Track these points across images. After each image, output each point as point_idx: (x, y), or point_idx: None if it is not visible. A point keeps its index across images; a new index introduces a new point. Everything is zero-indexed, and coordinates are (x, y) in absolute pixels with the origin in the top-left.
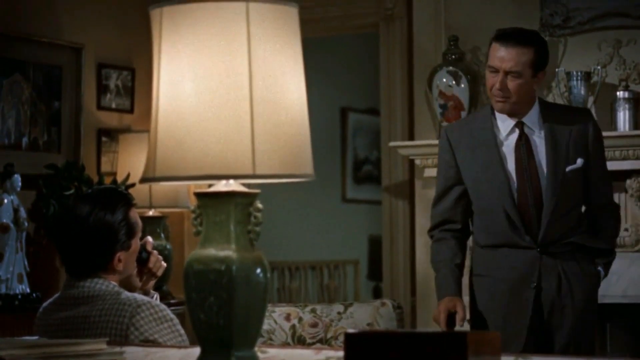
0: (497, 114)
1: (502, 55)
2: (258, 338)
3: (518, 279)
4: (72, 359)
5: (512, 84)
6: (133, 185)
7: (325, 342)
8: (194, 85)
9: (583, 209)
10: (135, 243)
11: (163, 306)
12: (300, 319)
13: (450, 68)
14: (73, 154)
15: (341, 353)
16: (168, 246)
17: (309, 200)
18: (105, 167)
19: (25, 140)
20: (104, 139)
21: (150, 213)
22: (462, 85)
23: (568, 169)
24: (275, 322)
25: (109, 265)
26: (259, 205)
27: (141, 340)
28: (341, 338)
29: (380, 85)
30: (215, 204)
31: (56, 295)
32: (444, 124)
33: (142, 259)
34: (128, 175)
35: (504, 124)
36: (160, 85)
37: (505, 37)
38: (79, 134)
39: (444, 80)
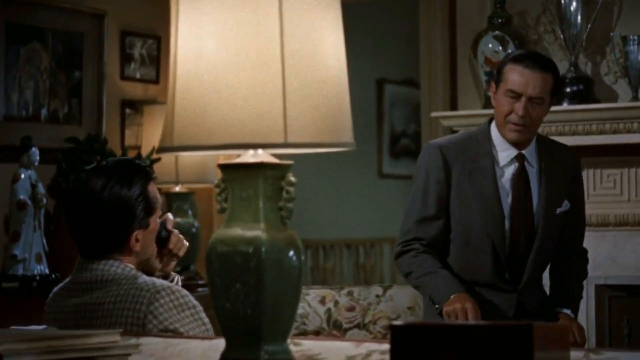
0: (496, 141)
1: (527, 81)
2: (291, 330)
3: (494, 317)
4: (81, 352)
5: (535, 111)
6: (159, 159)
7: (362, 327)
8: (217, 43)
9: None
10: (154, 221)
11: (185, 292)
12: (336, 302)
13: (497, 33)
14: (95, 127)
15: (385, 346)
16: (196, 224)
17: (343, 176)
18: (129, 141)
19: (44, 112)
20: (127, 110)
21: (177, 189)
22: (510, 51)
23: (557, 211)
24: (309, 305)
25: (125, 246)
26: (292, 179)
27: (160, 330)
28: (380, 323)
29: (420, 53)
30: (242, 178)
31: (67, 279)
32: (432, 142)
33: (162, 239)
34: (153, 149)
35: (503, 154)
36: (178, 43)
37: (530, 60)
38: (101, 105)
39: (490, 45)
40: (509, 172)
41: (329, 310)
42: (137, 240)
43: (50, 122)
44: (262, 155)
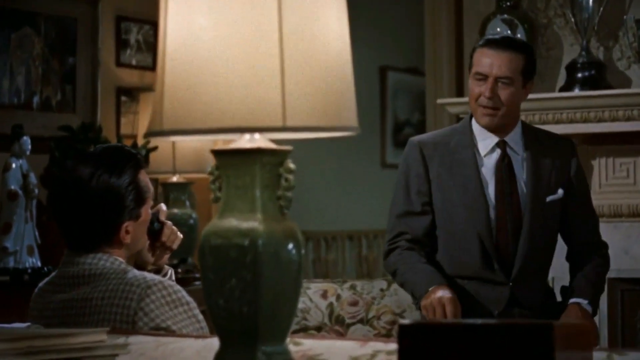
0: (477, 131)
1: (492, 61)
2: (290, 329)
3: (481, 310)
4: (65, 353)
5: (503, 92)
6: (155, 148)
7: (366, 322)
8: (210, 18)
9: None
10: (146, 211)
11: (178, 287)
12: (338, 297)
13: (505, 16)
14: (89, 115)
15: (392, 346)
16: (194, 215)
17: (345, 165)
18: (124, 129)
19: (36, 99)
20: (123, 98)
21: (174, 179)
22: (519, 35)
23: (548, 199)
24: (311, 300)
25: (114, 238)
26: (291, 166)
27: (151, 328)
28: (384, 318)
29: (425, 37)
30: (237, 164)
31: (53, 273)
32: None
33: (154, 231)
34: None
35: (484, 142)
36: (168, 19)
37: (495, 42)
38: (95, 92)
39: (498, 29)
40: (492, 160)
41: (331, 304)
42: (127, 232)
43: (42, 110)
44: (259, 140)
